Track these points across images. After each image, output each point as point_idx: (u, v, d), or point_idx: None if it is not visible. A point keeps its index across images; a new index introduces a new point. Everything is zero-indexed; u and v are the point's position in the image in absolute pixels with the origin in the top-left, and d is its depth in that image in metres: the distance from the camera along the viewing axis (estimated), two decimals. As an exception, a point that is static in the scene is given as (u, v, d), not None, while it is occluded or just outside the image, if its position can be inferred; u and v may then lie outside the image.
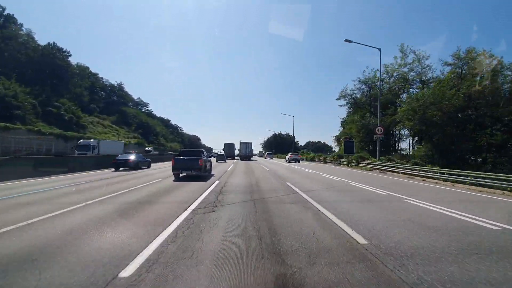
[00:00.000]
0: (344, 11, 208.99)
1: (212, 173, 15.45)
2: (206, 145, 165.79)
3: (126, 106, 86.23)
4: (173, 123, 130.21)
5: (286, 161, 35.44)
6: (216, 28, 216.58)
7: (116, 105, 77.81)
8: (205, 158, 13.20)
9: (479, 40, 71.77)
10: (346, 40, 22.44)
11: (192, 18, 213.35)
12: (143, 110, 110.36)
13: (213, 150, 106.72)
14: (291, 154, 36.12)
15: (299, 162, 34.08)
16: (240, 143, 47.32)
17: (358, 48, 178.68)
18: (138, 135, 70.88)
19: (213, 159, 35.38)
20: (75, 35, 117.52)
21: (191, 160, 12.39)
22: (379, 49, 23.25)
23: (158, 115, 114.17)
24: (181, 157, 12.77)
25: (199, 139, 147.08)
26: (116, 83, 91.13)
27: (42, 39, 79.99)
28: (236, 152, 51.60)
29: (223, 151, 45.72)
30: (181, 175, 12.82)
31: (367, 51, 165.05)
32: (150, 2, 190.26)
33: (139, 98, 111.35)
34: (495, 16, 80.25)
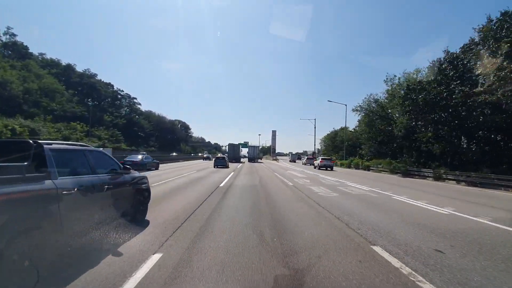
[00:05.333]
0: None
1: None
2: (212, 142, 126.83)
3: None
4: (124, 91, 64.52)
5: (315, 167, 31.88)
6: (218, 30, 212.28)
7: None
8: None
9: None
10: (328, 101, 28.73)
11: (197, 19, 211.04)
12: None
13: (222, 148, 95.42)
14: (322, 158, 32.55)
15: (332, 169, 29.05)
16: (249, 146, 54.37)
17: (361, 51, 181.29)
18: None
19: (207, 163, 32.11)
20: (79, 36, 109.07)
21: None
22: (345, 105, 27.69)
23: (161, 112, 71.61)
24: None
25: (185, 128, 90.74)
26: None
27: None
28: (244, 153, 55.80)
29: (228, 152, 46.59)
30: None
31: (367, 52, 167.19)
32: (153, 2, 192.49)
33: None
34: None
